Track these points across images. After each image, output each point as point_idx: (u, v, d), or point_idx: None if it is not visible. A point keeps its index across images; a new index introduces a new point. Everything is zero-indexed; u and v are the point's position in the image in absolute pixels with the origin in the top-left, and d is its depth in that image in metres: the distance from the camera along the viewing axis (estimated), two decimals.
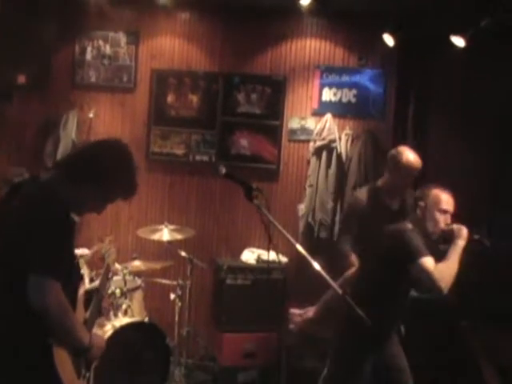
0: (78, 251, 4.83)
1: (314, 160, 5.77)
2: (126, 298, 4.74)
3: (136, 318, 4.73)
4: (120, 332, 4.43)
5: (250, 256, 5.67)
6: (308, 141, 5.87)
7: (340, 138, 5.76)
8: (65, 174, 2.54)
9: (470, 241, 3.48)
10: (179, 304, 5.10)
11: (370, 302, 2.95)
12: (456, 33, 5.14)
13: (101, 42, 5.96)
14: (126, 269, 4.84)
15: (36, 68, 5.67)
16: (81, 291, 2.69)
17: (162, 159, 5.98)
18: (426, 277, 3.29)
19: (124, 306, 4.72)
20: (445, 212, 3.54)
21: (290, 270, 5.48)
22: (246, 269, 5.49)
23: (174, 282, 5.12)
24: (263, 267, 5.48)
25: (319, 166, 5.73)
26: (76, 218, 2.53)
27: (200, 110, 5.95)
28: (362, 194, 4.41)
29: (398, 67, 5.80)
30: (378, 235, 3.62)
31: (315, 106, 5.92)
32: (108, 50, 5.96)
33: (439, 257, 3.40)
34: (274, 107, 5.91)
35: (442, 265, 3.34)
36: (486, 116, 5.52)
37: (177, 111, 5.96)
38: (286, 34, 5.91)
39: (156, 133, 5.96)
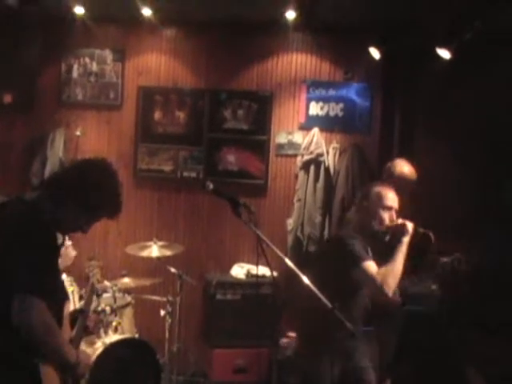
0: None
1: (301, 174, 5.79)
2: (115, 315, 4.73)
3: (126, 335, 4.72)
4: (110, 349, 4.40)
5: (239, 271, 5.66)
6: (295, 155, 5.89)
7: (328, 152, 5.79)
8: (50, 194, 2.55)
9: (416, 234, 3.46)
10: (169, 320, 5.07)
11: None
12: (441, 45, 5.17)
13: (87, 60, 5.96)
14: (115, 286, 4.82)
15: (22, 87, 5.68)
16: (67, 310, 2.67)
17: (149, 176, 5.97)
18: (370, 282, 3.31)
19: (114, 323, 4.70)
20: (389, 208, 3.50)
21: (279, 284, 5.46)
22: (236, 284, 5.50)
23: (164, 299, 5.09)
24: (252, 282, 5.48)
25: (307, 180, 5.75)
26: (62, 241, 2.53)
27: (187, 127, 5.95)
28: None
29: (383, 80, 5.84)
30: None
31: (302, 120, 5.93)
32: (94, 67, 5.97)
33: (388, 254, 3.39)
34: (261, 122, 5.93)
35: (384, 269, 3.33)
36: (473, 128, 5.53)
37: (164, 128, 5.96)
38: (271, 50, 5.94)
39: (143, 150, 5.96)
